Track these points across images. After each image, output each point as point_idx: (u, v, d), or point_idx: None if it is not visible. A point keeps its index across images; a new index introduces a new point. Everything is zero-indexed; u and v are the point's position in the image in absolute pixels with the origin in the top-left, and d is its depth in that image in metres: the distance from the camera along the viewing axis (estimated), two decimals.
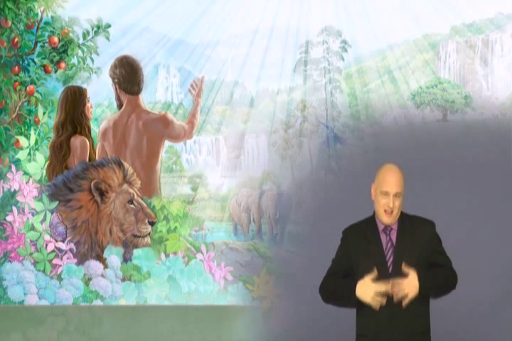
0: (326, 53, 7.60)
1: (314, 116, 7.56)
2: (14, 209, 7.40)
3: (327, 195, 7.03)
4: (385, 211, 4.37)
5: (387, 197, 4.36)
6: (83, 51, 7.68)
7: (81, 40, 7.68)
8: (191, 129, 7.65)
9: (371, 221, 4.44)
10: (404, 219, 4.43)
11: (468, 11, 7.41)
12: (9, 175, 7.46)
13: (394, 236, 4.39)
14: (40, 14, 7.67)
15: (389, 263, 4.36)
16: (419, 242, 4.37)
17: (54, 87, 7.68)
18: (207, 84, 7.68)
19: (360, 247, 4.40)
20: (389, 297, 4.29)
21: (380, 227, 4.41)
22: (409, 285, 4.25)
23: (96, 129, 7.69)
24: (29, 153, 7.53)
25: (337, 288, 4.43)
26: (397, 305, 4.32)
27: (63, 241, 7.34)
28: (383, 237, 4.40)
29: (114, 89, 7.68)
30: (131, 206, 7.32)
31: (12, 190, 7.47)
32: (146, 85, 7.70)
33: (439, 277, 4.33)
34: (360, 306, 4.40)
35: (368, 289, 4.27)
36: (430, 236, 4.42)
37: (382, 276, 4.31)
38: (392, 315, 4.33)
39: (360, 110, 7.54)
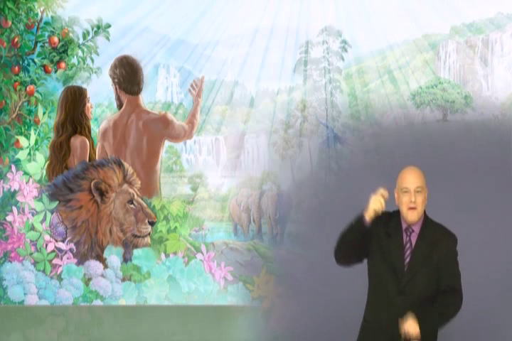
0: (326, 53, 7.60)
1: (314, 116, 7.56)
2: (14, 209, 7.40)
3: (327, 195, 7.03)
4: (409, 208, 4.38)
5: (409, 193, 4.38)
6: (83, 51, 7.68)
7: (81, 40, 7.68)
8: (191, 129, 7.65)
9: (396, 216, 4.45)
10: (428, 224, 4.43)
11: (468, 11, 7.40)
12: (9, 175, 7.46)
13: (414, 238, 4.42)
14: (40, 14, 7.67)
15: (405, 263, 4.39)
16: (436, 252, 4.38)
17: (54, 87, 7.68)
18: (207, 84, 7.68)
19: (380, 236, 4.41)
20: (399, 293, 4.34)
21: (404, 226, 4.43)
22: (413, 327, 4.30)
23: (96, 129, 7.69)
24: (29, 153, 7.53)
25: (349, 230, 4.43)
26: (406, 300, 4.35)
27: (63, 241, 7.34)
28: (404, 236, 4.42)
29: (114, 89, 7.68)
30: (131, 206, 7.32)
31: (12, 190, 7.47)
32: (146, 85, 7.70)
33: (438, 315, 4.36)
34: (372, 291, 4.43)
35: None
36: (450, 249, 4.42)
37: (398, 274, 4.34)
38: (400, 309, 4.35)
39: (360, 110, 7.54)
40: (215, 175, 7.68)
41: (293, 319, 6.80)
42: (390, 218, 4.46)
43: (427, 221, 4.45)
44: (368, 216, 4.34)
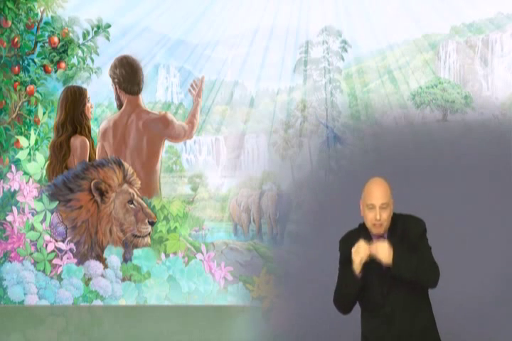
0: (326, 53, 7.60)
1: (314, 116, 7.56)
2: (14, 209, 7.40)
3: (327, 195, 7.03)
4: (374, 225, 4.35)
5: (374, 209, 4.33)
6: (83, 51, 7.68)
7: (81, 40, 7.68)
8: (191, 129, 7.65)
9: (364, 230, 4.43)
10: (396, 221, 4.41)
11: (468, 11, 7.40)
12: (9, 175, 7.46)
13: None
14: (40, 14, 7.67)
15: (383, 269, 4.37)
16: (406, 241, 4.35)
17: (54, 87, 7.68)
18: (207, 84, 7.68)
19: None
20: (386, 298, 4.33)
21: (374, 237, 4.40)
22: (382, 248, 4.27)
23: (96, 129, 7.69)
24: (29, 153, 7.53)
25: (344, 284, 4.42)
26: (395, 306, 4.34)
27: (63, 241, 7.34)
28: None
29: (114, 89, 7.68)
30: (131, 206, 7.32)
31: (12, 190, 7.47)
32: (146, 85, 7.70)
33: (412, 260, 4.29)
34: (363, 307, 4.42)
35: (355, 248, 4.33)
36: (416, 231, 4.39)
37: (379, 278, 4.34)
38: (390, 316, 4.34)
39: (360, 110, 7.54)
40: (215, 175, 7.68)
41: (293, 319, 6.79)
42: (359, 235, 4.42)
43: (393, 219, 4.40)
44: (358, 270, 4.31)
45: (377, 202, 4.32)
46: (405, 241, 4.35)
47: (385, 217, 4.33)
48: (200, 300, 7.24)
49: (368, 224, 4.37)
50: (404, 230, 4.37)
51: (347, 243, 4.43)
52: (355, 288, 4.35)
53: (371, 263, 4.35)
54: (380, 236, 4.38)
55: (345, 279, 4.40)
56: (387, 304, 4.34)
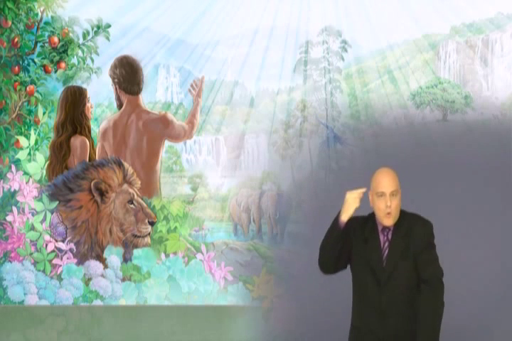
0: (326, 53, 7.60)
1: (314, 116, 7.56)
2: (14, 209, 7.40)
3: (327, 195, 7.03)
4: (386, 215, 4.36)
5: (384, 197, 4.35)
6: (83, 51, 7.68)
7: (81, 40, 7.69)
8: (191, 129, 7.65)
9: (371, 219, 4.44)
10: (402, 217, 4.42)
11: (468, 11, 7.41)
12: (9, 175, 7.46)
13: (390, 235, 4.41)
14: (40, 14, 7.67)
15: (383, 260, 4.38)
16: (411, 241, 4.36)
17: (54, 87, 7.68)
18: (207, 84, 7.68)
19: (358, 243, 4.42)
20: (381, 291, 4.33)
21: (379, 227, 4.42)
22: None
23: (96, 129, 7.69)
24: (29, 153, 7.53)
25: (328, 237, 4.47)
26: (389, 299, 4.34)
27: (63, 241, 7.34)
28: (381, 237, 4.41)
29: (114, 89, 7.68)
30: (131, 206, 7.32)
31: (12, 190, 7.47)
32: (146, 85, 7.70)
33: (431, 324, 4.31)
34: (356, 297, 4.43)
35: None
36: (423, 235, 4.40)
37: (377, 273, 4.35)
38: (385, 307, 4.34)
39: (360, 110, 7.54)
40: (215, 175, 7.68)
41: (293, 319, 6.80)
42: (366, 223, 4.43)
43: (400, 215, 4.41)
44: (347, 216, 4.34)
45: (387, 190, 4.35)
46: (411, 245, 4.35)
47: (395, 205, 4.36)
48: (200, 300, 7.24)
49: (380, 215, 4.37)
50: (410, 229, 4.38)
51: (352, 226, 4.41)
52: (338, 239, 4.37)
53: (370, 253, 4.36)
54: (385, 229, 4.39)
55: (330, 234, 4.43)
56: (383, 294, 4.34)
